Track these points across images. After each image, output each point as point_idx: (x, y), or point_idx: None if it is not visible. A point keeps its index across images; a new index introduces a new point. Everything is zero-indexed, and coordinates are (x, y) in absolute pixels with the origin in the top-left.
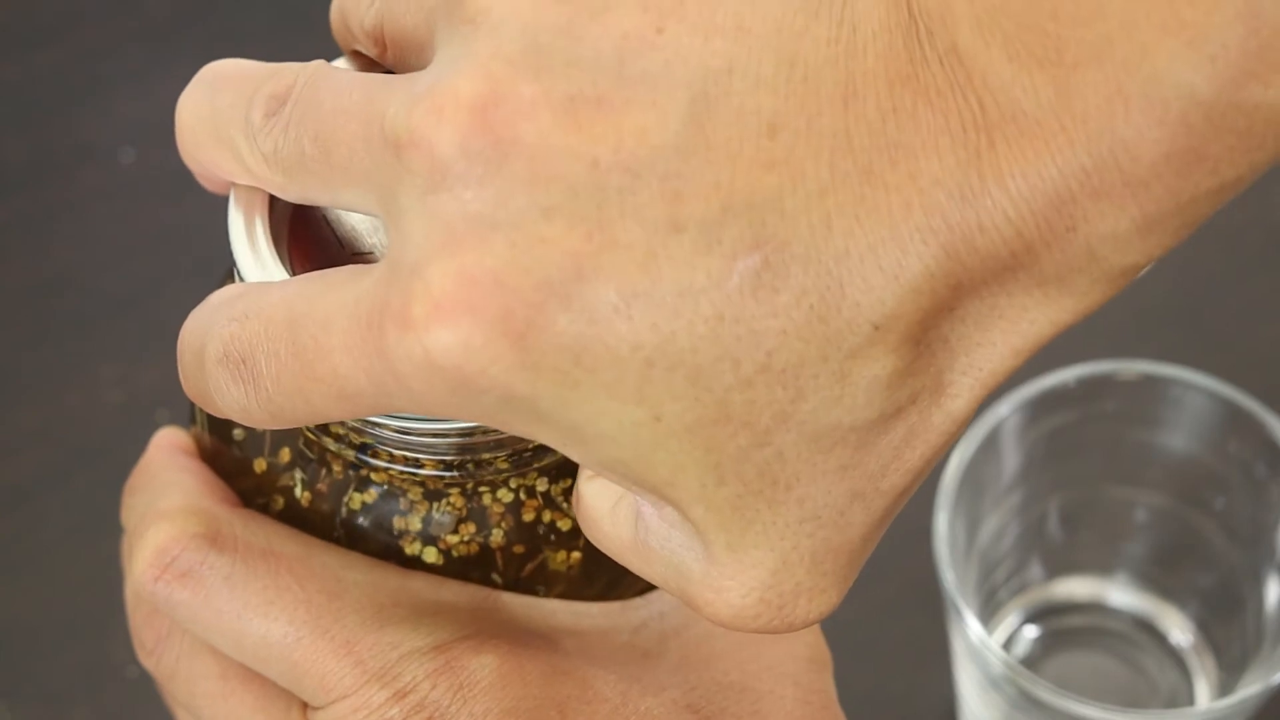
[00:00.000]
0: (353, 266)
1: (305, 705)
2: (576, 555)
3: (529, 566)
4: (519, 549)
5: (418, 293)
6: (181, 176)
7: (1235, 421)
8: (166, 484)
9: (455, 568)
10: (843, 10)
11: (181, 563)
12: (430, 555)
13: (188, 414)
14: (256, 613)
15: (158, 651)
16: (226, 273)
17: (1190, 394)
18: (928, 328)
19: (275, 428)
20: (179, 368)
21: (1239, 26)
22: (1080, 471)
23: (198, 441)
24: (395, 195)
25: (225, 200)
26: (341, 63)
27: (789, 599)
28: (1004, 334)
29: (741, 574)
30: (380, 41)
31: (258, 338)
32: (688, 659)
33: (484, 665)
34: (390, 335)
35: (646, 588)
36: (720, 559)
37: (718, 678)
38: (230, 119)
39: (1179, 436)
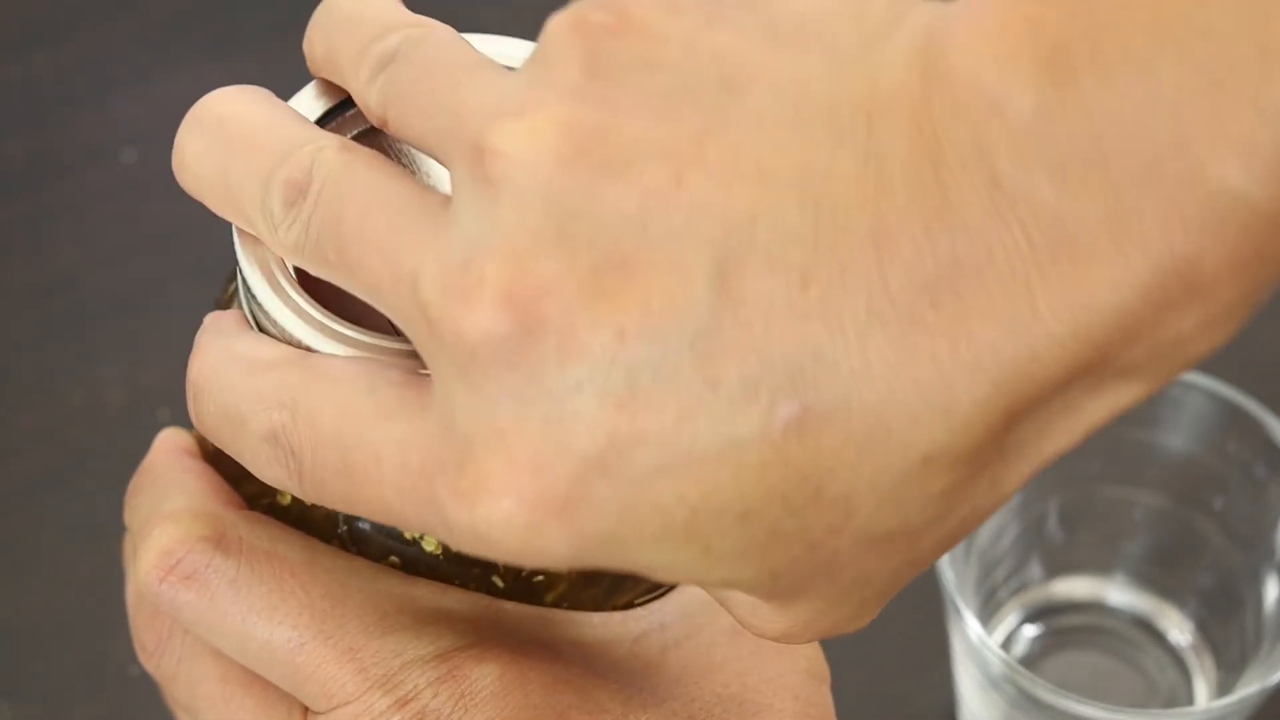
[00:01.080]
0: (400, 395)
1: (306, 710)
2: None
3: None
4: None
5: (467, 469)
6: None
7: (1235, 422)
8: (171, 485)
9: (455, 562)
10: (867, 142)
11: (186, 565)
12: (430, 543)
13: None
14: (261, 617)
15: (159, 653)
16: (230, 275)
17: (1190, 394)
18: (981, 448)
19: None
20: (194, 408)
21: None
22: (1079, 471)
23: (201, 442)
24: (429, 351)
25: None
26: (311, 90)
27: (828, 629)
28: (1061, 429)
29: (789, 617)
30: (383, 124)
31: (305, 442)
32: (688, 670)
33: (486, 674)
34: (441, 496)
35: (648, 594)
36: (768, 609)
37: (717, 690)
38: (245, 195)
39: (1178, 436)
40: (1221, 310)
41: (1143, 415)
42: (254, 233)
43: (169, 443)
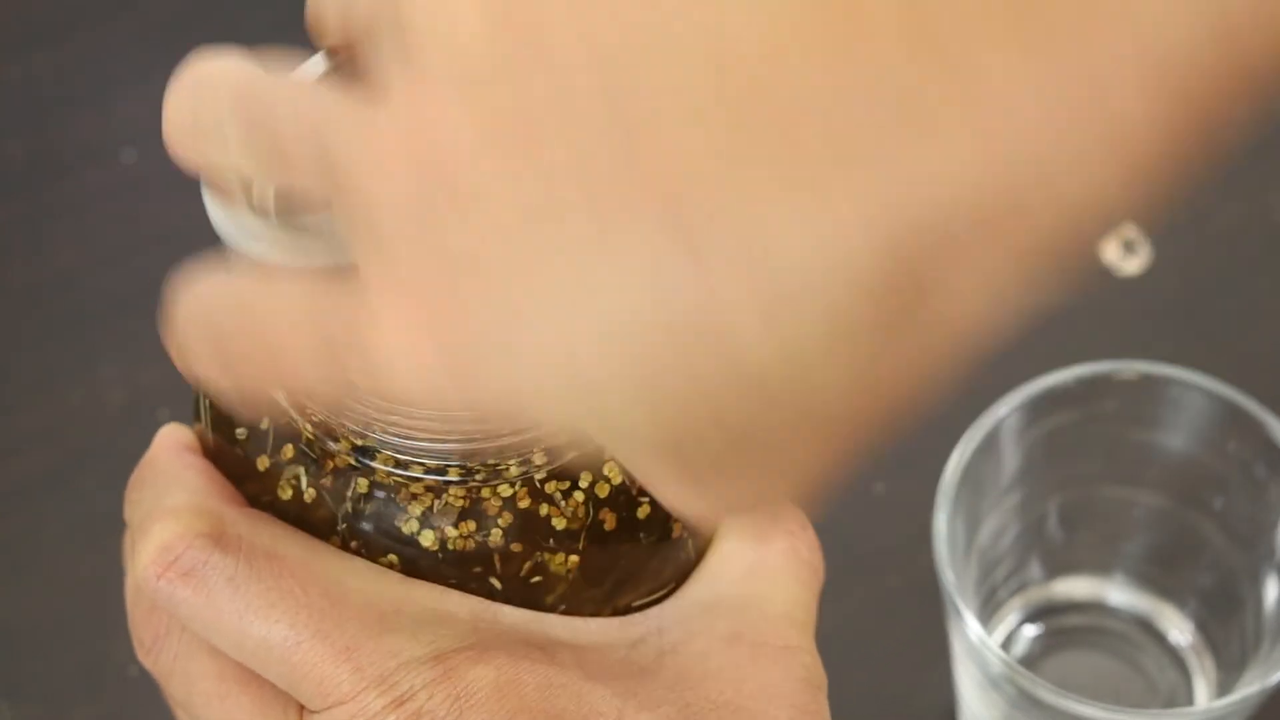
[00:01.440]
0: (322, 275)
1: (302, 708)
2: (575, 559)
3: (527, 566)
4: (516, 547)
5: (369, 323)
6: (182, 177)
7: (1235, 422)
8: (172, 481)
9: (452, 561)
10: None
11: (185, 561)
12: (427, 539)
13: (191, 413)
14: (258, 615)
15: (155, 650)
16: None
17: (1190, 394)
18: (885, 307)
19: (244, 408)
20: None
21: None
22: (1080, 471)
23: (201, 439)
24: (344, 217)
25: None
26: (319, 59)
27: (754, 507)
28: (970, 288)
29: (707, 497)
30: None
31: (231, 319)
32: (684, 676)
33: (482, 677)
34: (345, 348)
35: (648, 596)
36: (684, 487)
37: (713, 696)
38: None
39: (1178, 437)
40: (1147, 162)
41: (1143, 415)
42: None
43: (170, 439)
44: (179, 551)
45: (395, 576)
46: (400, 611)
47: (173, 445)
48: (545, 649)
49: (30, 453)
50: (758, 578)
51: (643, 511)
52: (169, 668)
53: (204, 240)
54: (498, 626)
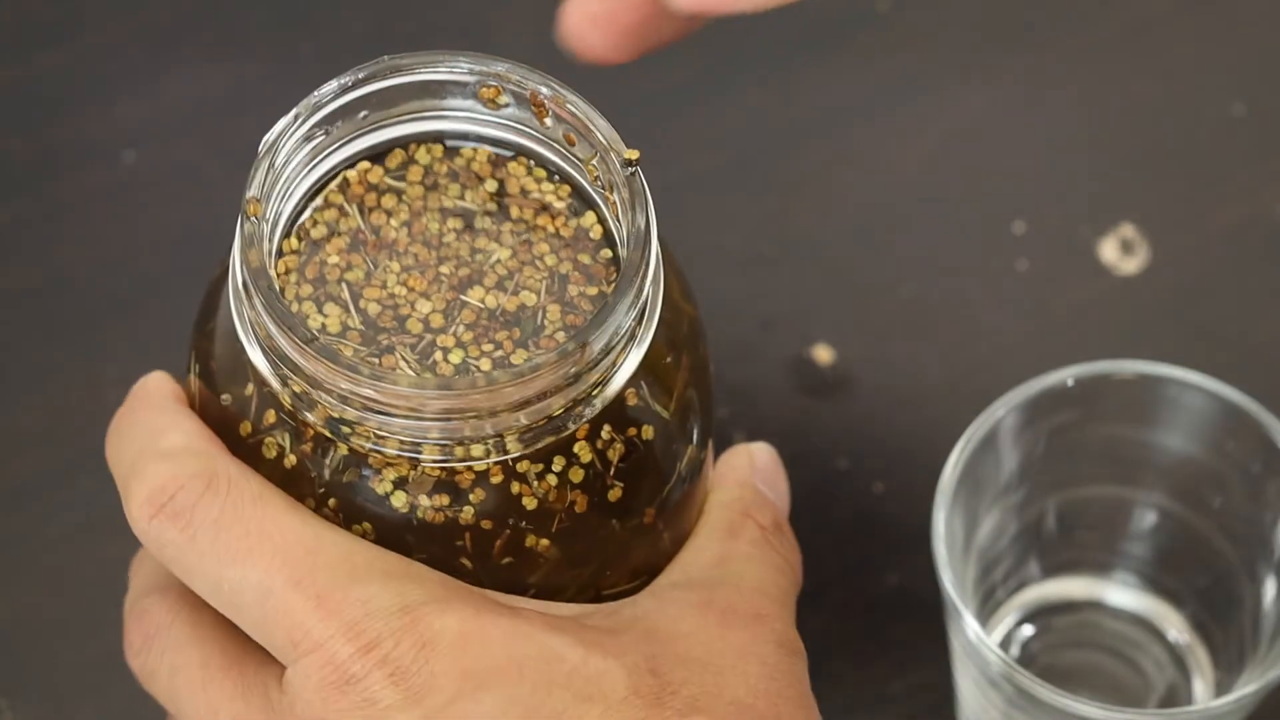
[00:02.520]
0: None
1: (279, 679)
2: (545, 542)
3: (498, 545)
4: (487, 524)
5: None
6: (183, 177)
7: (1233, 421)
8: (166, 424)
9: (424, 534)
10: None
11: (177, 502)
12: (399, 500)
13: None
14: (236, 558)
15: (145, 650)
16: (222, 272)
17: (1188, 394)
18: None
19: None
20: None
21: None
22: (1078, 471)
23: (189, 396)
24: None
25: (225, 201)
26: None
27: None
28: None
29: None
30: None
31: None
32: (654, 633)
33: (447, 626)
34: None
35: (623, 585)
36: None
37: (681, 653)
38: None
39: (1176, 436)
40: None
41: (1140, 415)
42: None
43: (164, 384)
44: (172, 492)
45: (371, 543)
46: (372, 565)
47: (165, 390)
48: (512, 606)
49: (30, 453)
50: (731, 561)
51: (614, 495)
52: (156, 665)
53: (203, 241)
54: (469, 584)
